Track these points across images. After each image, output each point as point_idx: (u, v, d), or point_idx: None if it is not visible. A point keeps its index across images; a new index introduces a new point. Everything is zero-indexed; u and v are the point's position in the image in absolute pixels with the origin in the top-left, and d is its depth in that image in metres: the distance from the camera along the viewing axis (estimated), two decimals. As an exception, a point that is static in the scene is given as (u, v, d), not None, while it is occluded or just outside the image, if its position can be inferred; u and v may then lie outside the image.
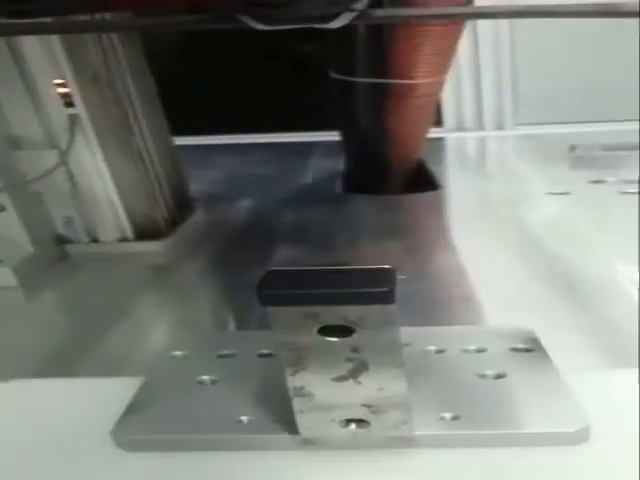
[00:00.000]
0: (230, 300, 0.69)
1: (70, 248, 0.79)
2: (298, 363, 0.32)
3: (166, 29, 0.45)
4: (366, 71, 0.88)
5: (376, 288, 0.29)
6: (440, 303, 0.63)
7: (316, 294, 0.29)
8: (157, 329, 0.63)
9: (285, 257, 0.75)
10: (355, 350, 0.31)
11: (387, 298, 0.29)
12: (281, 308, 0.30)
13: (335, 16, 0.35)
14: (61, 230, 0.79)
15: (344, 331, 0.30)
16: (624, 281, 0.63)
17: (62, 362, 0.56)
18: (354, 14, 0.35)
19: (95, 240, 0.80)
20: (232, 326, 0.65)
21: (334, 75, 0.93)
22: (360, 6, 0.35)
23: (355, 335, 0.30)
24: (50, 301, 0.71)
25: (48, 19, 0.45)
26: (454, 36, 0.83)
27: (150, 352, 0.56)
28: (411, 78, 0.84)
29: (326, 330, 0.31)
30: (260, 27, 0.34)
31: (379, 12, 0.38)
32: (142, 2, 0.31)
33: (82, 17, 0.51)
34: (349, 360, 0.31)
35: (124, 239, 0.80)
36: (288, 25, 0.34)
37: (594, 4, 0.41)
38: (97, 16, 0.49)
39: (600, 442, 0.36)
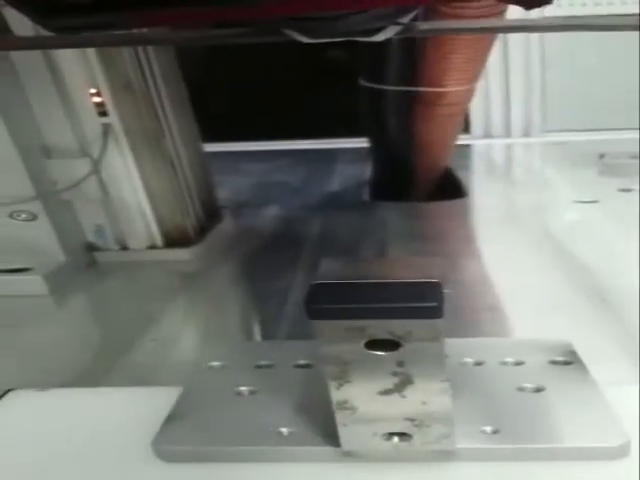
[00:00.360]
0: (259, 307, 0.69)
1: (100, 256, 0.80)
2: (343, 376, 0.32)
3: (207, 42, 0.46)
4: (396, 79, 0.88)
5: (424, 303, 0.29)
6: (467, 312, 0.62)
7: (364, 308, 0.29)
8: (188, 337, 0.64)
9: (316, 266, 0.76)
10: (401, 364, 0.31)
11: (435, 313, 0.29)
12: (329, 322, 0.30)
13: (379, 29, 0.35)
14: (91, 238, 0.80)
15: (390, 345, 0.30)
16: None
17: (94, 370, 0.56)
18: (398, 28, 0.35)
19: (124, 248, 0.81)
20: (262, 334, 0.65)
21: (364, 83, 0.93)
22: (405, 20, 0.35)
23: (401, 349, 0.30)
24: (80, 309, 0.72)
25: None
26: (485, 45, 0.83)
27: (182, 361, 0.56)
28: (441, 86, 0.84)
29: (372, 344, 0.31)
30: (305, 40, 0.34)
31: (422, 25, 0.38)
32: (184, 19, 0.31)
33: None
34: (395, 374, 0.31)
35: (153, 247, 0.81)
36: (332, 38, 0.34)
37: (627, 16, 0.41)
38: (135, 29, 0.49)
39: (641, 457, 0.35)
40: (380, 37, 0.36)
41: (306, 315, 0.30)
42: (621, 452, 0.35)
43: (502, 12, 0.71)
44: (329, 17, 0.32)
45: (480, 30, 0.51)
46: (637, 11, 0.41)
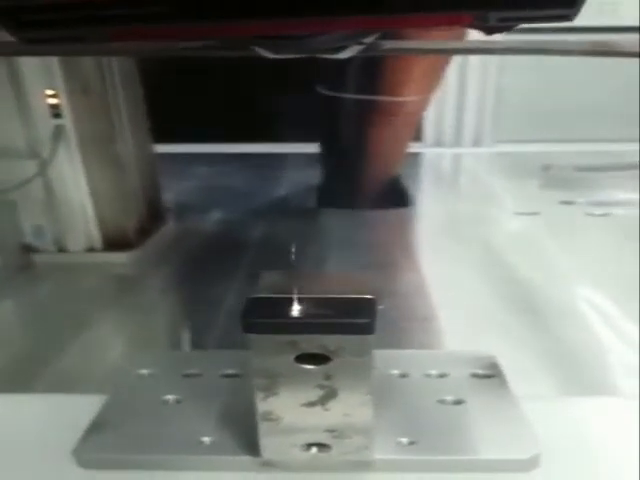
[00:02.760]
0: (192, 315, 0.69)
1: (37, 257, 0.79)
2: (270, 388, 0.33)
3: (175, 54, 0.45)
4: (355, 88, 0.89)
5: (356, 319, 0.30)
6: (400, 323, 0.63)
7: (297, 323, 0.30)
8: (118, 344, 0.63)
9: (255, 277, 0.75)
10: (328, 377, 0.32)
11: (367, 329, 0.30)
12: (262, 336, 0.31)
13: (343, 47, 0.36)
14: (29, 239, 0.78)
15: (320, 359, 0.31)
16: (584, 305, 0.64)
17: (18, 376, 0.55)
18: (361, 47, 0.36)
19: (63, 249, 0.79)
20: (194, 342, 0.64)
21: (322, 91, 0.93)
22: (368, 40, 0.36)
23: (330, 363, 0.31)
24: (11, 312, 0.70)
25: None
26: (443, 57, 0.84)
27: (111, 369, 0.55)
28: (400, 95, 0.86)
29: (302, 357, 0.31)
30: (270, 56, 0.35)
31: (385, 45, 0.39)
32: (151, 36, 0.31)
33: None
34: (321, 387, 0.32)
35: (92, 249, 0.80)
36: (297, 55, 0.35)
37: (592, 42, 0.42)
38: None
39: (551, 468, 0.37)
40: (344, 55, 0.37)
41: (241, 328, 0.30)
42: (531, 464, 0.37)
43: (464, 31, 0.73)
44: (295, 36, 0.32)
45: (442, 51, 0.52)
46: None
